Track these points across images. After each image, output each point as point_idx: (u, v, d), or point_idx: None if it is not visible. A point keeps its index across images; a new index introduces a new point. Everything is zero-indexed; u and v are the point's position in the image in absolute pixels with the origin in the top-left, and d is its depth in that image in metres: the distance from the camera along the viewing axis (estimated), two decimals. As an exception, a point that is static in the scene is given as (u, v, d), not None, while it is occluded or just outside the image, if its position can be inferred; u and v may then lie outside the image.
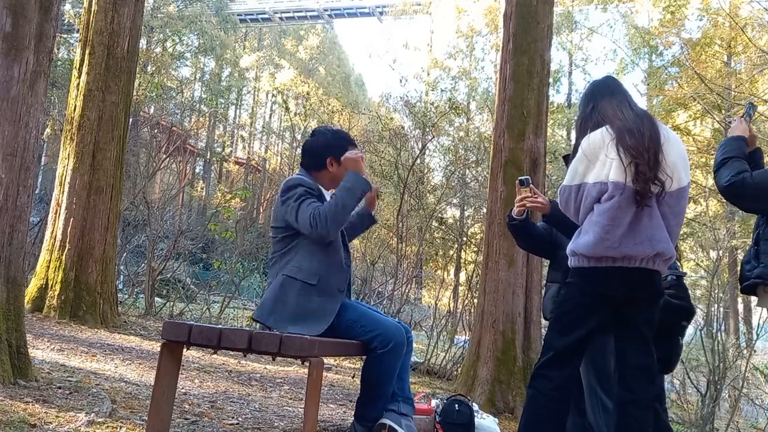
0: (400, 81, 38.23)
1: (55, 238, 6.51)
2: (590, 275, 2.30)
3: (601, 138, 2.31)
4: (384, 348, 2.54)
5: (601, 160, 2.28)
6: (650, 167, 2.23)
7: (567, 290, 2.43)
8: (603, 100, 2.44)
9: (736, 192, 2.45)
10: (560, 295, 2.50)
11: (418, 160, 11.96)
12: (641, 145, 2.25)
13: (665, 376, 3.19)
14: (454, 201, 14.66)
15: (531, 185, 2.92)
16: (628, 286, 2.29)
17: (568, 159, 3.29)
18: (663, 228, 2.28)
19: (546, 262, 4.09)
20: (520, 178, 2.94)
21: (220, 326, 2.33)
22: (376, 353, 2.56)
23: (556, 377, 2.31)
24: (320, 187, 2.81)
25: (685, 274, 3.37)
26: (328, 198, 2.84)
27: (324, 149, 2.83)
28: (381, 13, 37.03)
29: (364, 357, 2.69)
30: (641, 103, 24.34)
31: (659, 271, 2.33)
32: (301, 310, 2.58)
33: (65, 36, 21.66)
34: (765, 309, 2.78)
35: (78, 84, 6.79)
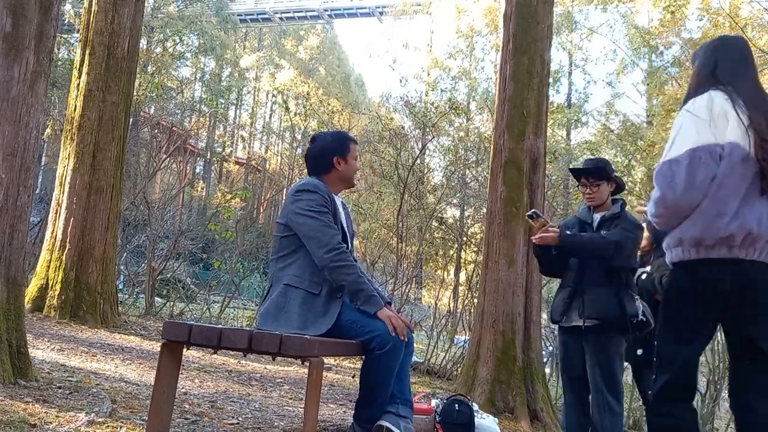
0: (400, 81, 38.29)
1: (55, 238, 6.51)
2: (697, 268, 1.98)
3: (708, 99, 2.00)
4: (381, 349, 2.52)
5: (714, 121, 1.94)
6: None
7: (670, 290, 2.10)
8: (728, 64, 2.11)
9: None
10: (666, 297, 2.14)
11: (418, 160, 11.96)
12: (762, 118, 1.96)
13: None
14: (454, 201, 14.66)
15: (541, 217, 3.07)
16: (741, 279, 1.94)
17: (575, 171, 3.30)
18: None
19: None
20: (528, 213, 3.11)
21: (220, 326, 2.33)
22: (374, 354, 2.54)
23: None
24: (331, 194, 2.78)
25: None
26: (339, 207, 2.83)
27: (328, 151, 2.84)
28: (381, 13, 37.05)
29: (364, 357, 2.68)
30: (641, 102, 24.35)
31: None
32: (304, 318, 2.58)
33: (65, 36, 21.66)
34: None
35: (78, 84, 6.79)
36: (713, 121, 1.94)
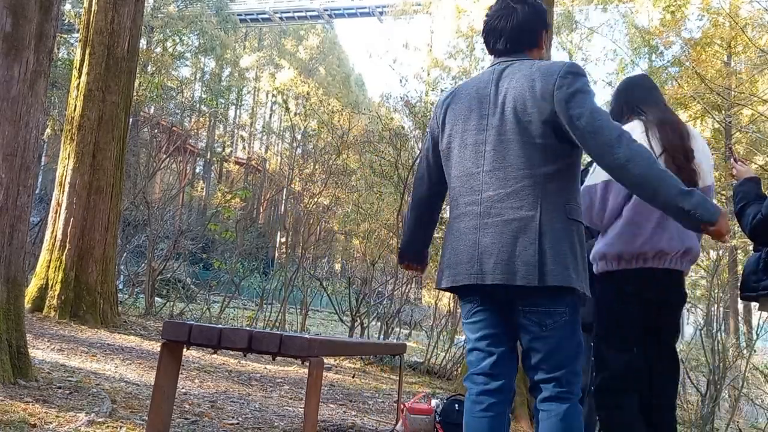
0: (400, 81, 38.16)
1: (55, 238, 6.51)
2: (621, 278, 2.24)
3: (630, 129, 2.21)
4: (565, 393, 1.77)
5: None
6: (687, 159, 2.22)
7: (603, 299, 2.31)
8: (636, 94, 2.42)
9: (758, 233, 2.49)
10: (597, 309, 2.37)
11: (418, 160, 11.96)
12: (675, 138, 2.24)
13: None
14: (454, 201, 14.64)
15: None
16: (660, 289, 2.25)
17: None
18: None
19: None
20: None
21: (220, 326, 2.33)
22: (551, 398, 1.79)
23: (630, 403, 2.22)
24: None
25: None
26: None
27: (540, 22, 1.99)
28: (381, 13, 37.07)
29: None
30: (641, 103, 24.40)
31: (685, 272, 2.31)
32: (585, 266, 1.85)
33: (65, 36, 21.67)
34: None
35: (78, 84, 6.79)
36: None
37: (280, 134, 39.61)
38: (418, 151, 12.00)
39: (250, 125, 41.14)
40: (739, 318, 16.13)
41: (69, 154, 6.66)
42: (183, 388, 3.87)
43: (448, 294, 12.56)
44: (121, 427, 2.63)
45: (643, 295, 2.23)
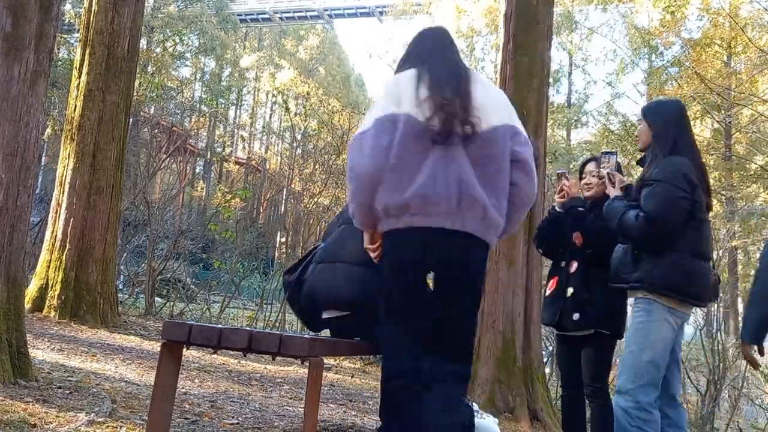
0: (401, 81, 38.20)
1: (55, 238, 6.51)
2: (391, 237, 1.98)
3: (402, 75, 2.12)
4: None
5: (399, 95, 2.03)
6: (461, 106, 1.99)
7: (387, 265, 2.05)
8: (422, 45, 2.28)
9: (651, 239, 2.60)
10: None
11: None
12: (444, 82, 2.04)
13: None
14: (454, 201, 14.62)
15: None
16: (429, 249, 1.94)
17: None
18: (472, 173, 1.96)
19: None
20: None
21: (220, 326, 2.33)
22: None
23: None
24: None
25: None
26: None
27: None
28: (381, 13, 37.03)
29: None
30: (641, 102, 24.37)
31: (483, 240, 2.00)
32: None
33: (65, 36, 21.65)
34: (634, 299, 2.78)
35: (78, 84, 6.79)
36: (399, 95, 2.01)
37: (280, 134, 39.62)
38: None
39: (250, 125, 41.16)
40: (739, 318, 16.12)
41: (69, 154, 6.66)
42: (183, 388, 3.87)
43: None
44: (121, 427, 2.63)
45: (415, 260, 1.94)
